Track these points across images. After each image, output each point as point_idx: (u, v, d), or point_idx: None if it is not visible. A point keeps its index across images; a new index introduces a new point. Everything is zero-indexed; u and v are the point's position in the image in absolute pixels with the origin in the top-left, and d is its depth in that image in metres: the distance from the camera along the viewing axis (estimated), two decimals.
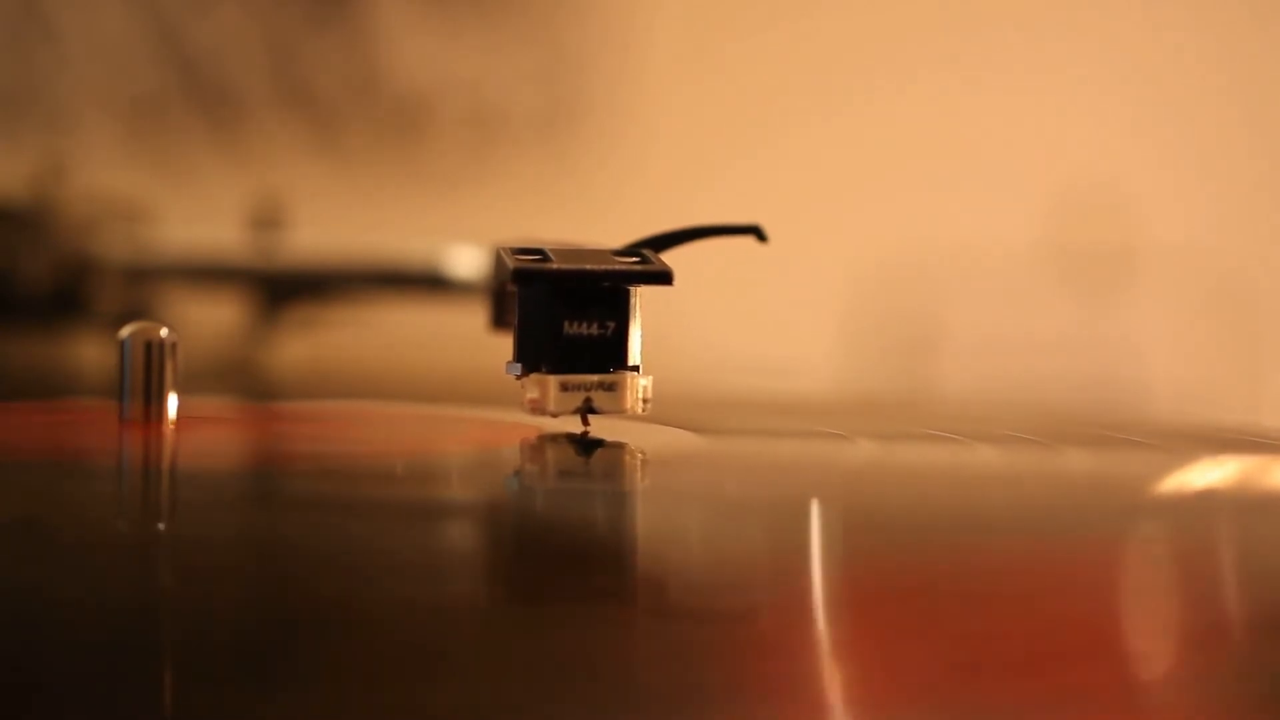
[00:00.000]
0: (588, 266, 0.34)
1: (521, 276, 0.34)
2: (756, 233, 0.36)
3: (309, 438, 0.40)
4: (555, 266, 0.34)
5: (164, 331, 0.35)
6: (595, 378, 0.34)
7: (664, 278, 0.34)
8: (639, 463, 0.35)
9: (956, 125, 0.91)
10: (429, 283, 0.63)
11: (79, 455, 0.36)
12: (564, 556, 0.26)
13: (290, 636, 0.21)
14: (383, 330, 0.68)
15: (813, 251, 0.83)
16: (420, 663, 0.20)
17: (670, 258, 0.35)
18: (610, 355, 0.34)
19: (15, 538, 0.26)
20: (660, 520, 0.30)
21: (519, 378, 0.34)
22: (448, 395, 0.50)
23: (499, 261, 0.35)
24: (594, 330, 0.34)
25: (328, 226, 0.67)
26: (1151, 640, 0.22)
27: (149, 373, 0.35)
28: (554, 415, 0.34)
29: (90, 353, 0.63)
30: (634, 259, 0.34)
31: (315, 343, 0.65)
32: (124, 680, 0.19)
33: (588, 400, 0.34)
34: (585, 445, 0.35)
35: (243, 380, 0.59)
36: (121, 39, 0.99)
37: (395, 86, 0.97)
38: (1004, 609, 0.23)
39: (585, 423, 0.35)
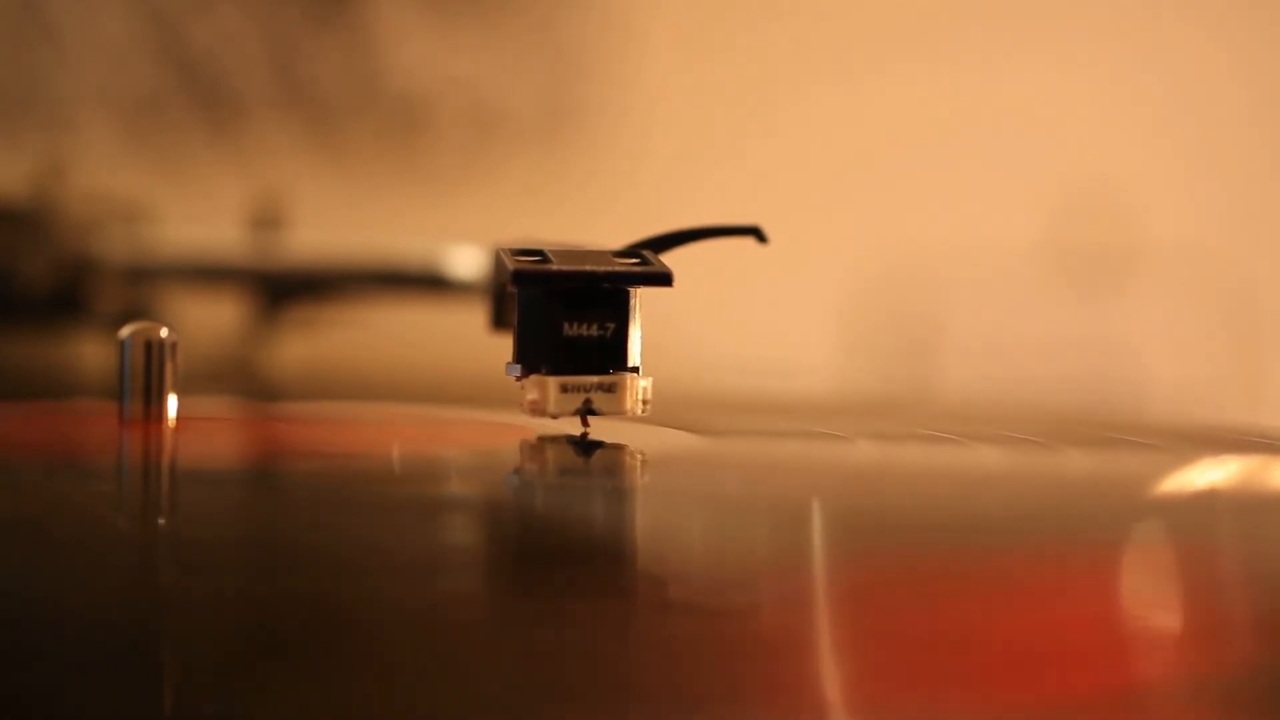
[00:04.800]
0: (587, 268, 0.34)
1: (521, 278, 0.34)
2: (756, 234, 0.36)
3: (309, 438, 0.40)
4: (555, 268, 0.34)
5: (164, 331, 0.35)
6: (595, 379, 0.34)
7: (664, 279, 0.34)
8: (639, 464, 0.35)
9: (957, 126, 0.91)
10: (429, 283, 0.63)
11: (79, 455, 0.36)
12: (563, 558, 0.26)
13: (290, 636, 0.21)
14: (383, 330, 0.68)
15: (812, 252, 0.83)
16: (420, 662, 0.20)
17: (670, 259, 0.35)
18: (610, 356, 0.34)
19: (15, 538, 0.26)
20: (659, 522, 0.30)
21: (519, 379, 0.34)
22: (447, 396, 0.50)
23: (499, 262, 0.35)
24: (594, 331, 0.34)
25: (327, 226, 0.67)
26: (1151, 641, 0.22)
27: (149, 373, 0.35)
28: (554, 416, 0.34)
29: (90, 353, 0.63)
30: (634, 260, 0.34)
31: (315, 343, 0.65)
32: (124, 680, 0.19)
33: (587, 401, 0.34)
34: (585, 446, 0.35)
35: (243, 380, 0.59)
36: (121, 39, 0.99)
37: (394, 86, 0.97)
38: (1003, 610, 0.23)
39: (585, 424, 0.35)
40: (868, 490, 0.32)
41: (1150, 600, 0.24)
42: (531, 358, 0.34)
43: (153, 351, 0.35)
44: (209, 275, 0.65)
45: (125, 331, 0.35)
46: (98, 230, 0.66)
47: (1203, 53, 0.89)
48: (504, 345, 0.35)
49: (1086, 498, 0.33)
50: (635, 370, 0.34)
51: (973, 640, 0.22)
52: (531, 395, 0.34)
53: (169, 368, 0.35)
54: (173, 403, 0.35)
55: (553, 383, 0.34)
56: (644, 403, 0.35)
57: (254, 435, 0.43)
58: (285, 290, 0.64)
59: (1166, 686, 0.20)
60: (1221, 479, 0.35)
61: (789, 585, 0.24)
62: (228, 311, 0.65)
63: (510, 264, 0.34)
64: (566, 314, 0.34)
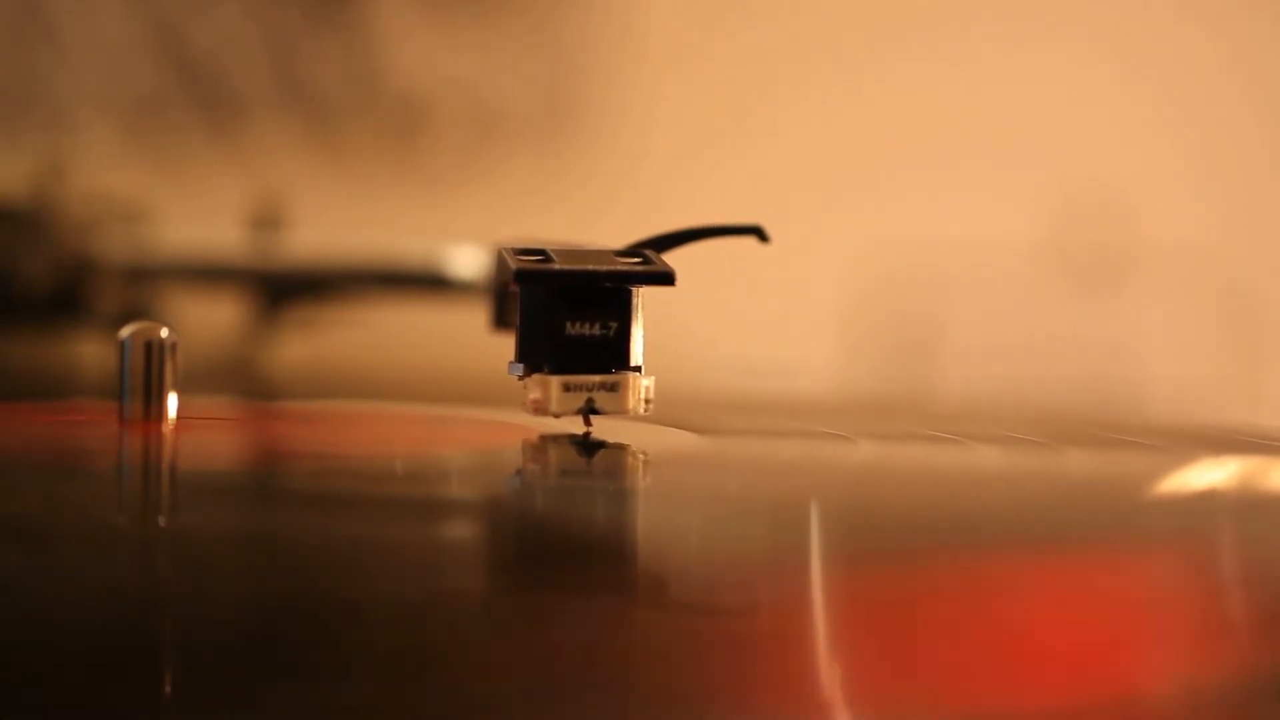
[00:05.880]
0: (590, 267, 0.34)
1: (523, 277, 0.34)
2: (758, 233, 0.36)
3: (309, 438, 0.40)
4: (557, 267, 0.34)
5: (164, 331, 0.35)
6: (597, 378, 0.34)
7: (666, 278, 0.34)
8: (641, 463, 0.35)
9: (957, 126, 0.91)
10: (429, 283, 0.63)
11: (79, 455, 0.36)
12: (565, 556, 0.26)
13: (290, 636, 0.21)
14: (383, 330, 0.68)
15: (814, 252, 0.83)
16: (420, 662, 0.20)
17: (671, 258, 0.35)
18: (612, 356, 0.34)
19: (15, 538, 0.26)
20: (661, 520, 0.30)
21: (521, 378, 0.34)
22: (448, 395, 0.50)
23: (501, 262, 0.35)
24: (596, 331, 0.34)
25: (327, 226, 0.67)
26: (1151, 640, 0.22)
27: (149, 373, 0.35)
28: (556, 416, 0.34)
29: (90, 353, 0.63)
30: (636, 259, 0.34)
31: (315, 343, 0.65)
32: (124, 680, 0.19)
33: (590, 401, 0.34)
34: (587, 446, 0.35)
35: (243, 380, 0.59)
36: (121, 39, 0.99)
37: (394, 86, 0.97)
38: (1004, 609, 0.23)
39: (587, 423, 0.35)
40: (868, 490, 0.32)
41: (1149, 600, 0.24)
42: (534, 357, 0.34)
43: (153, 351, 0.35)
44: (209, 275, 0.65)
45: (125, 331, 0.35)
46: (98, 230, 0.66)
47: (1202, 53, 0.89)
48: (505, 345, 0.35)
49: (1086, 498, 0.33)
50: (637, 369, 0.34)
51: (973, 640, 0.22)
52: (534, 394, 0.34)
53: (169, 368, 0.35)
54: (173, 403, 0.35)
55: (555, 382, 0.34)
56: (646, 402, 0.35)
57: (254, 435, 0.43)
58: (285, 290, 0.64)
59: (1166, 687, 0.20)
60: (1221, 479, 0.35)
61: (789, 585, 0.24)
62: (228, 311, 0.65)
63: (513, 263, 0.34)
64: (569, 313, 0.34)
